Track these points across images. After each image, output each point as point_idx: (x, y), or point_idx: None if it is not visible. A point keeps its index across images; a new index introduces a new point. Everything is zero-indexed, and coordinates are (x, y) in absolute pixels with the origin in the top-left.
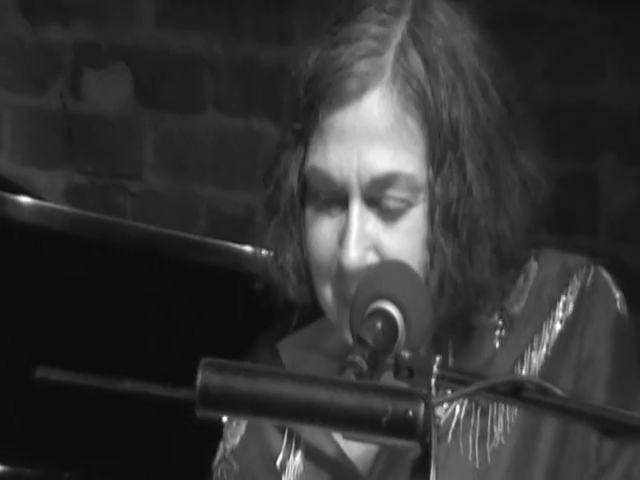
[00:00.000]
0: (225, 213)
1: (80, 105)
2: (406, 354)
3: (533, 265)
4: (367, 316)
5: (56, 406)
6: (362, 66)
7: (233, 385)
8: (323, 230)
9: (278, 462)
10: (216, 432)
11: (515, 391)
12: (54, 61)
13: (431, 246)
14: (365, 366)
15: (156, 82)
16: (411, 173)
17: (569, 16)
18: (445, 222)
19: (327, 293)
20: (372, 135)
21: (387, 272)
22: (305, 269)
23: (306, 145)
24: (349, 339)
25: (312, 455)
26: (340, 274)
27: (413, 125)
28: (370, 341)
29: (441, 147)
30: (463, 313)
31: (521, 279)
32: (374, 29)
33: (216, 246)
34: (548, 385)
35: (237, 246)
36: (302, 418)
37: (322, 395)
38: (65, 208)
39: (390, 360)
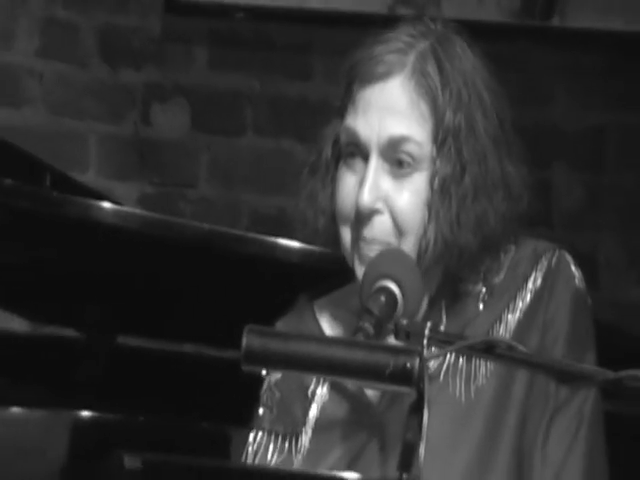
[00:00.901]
0: (262, 213)
1: (149, 131)
2: (404, 321)
3: (512, 248)
4: (373, 292)
5: (133, 365)
6: (390, 58)
7: (269, 346)
8: (347, 181)
9: (309, 391)
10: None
11: (490, 348)
12: (129, 97)
13: (429, 207)
14: (372, 330)
15: (208, 113)
16: (419, 141)
17: (529, 55)
18: (441, 190)
19: (346, 234)
20: (391, 108)
21: (389, 258)
22: (331, 215)
23: (342, 117)
24: (359, 274)
25: (336, 387)
26: (356, 216)
27: (424, 109)
28: (376, 311)
29: (444, 133)
30: (454, 281)
31: (502, 257)
32: (404, 38)
33: (256, 239)
34: (515, 344)
35: (272, 238)
36: (324, 371)
37: (339, 353)
38: (138, 211)
39: (391, 326)
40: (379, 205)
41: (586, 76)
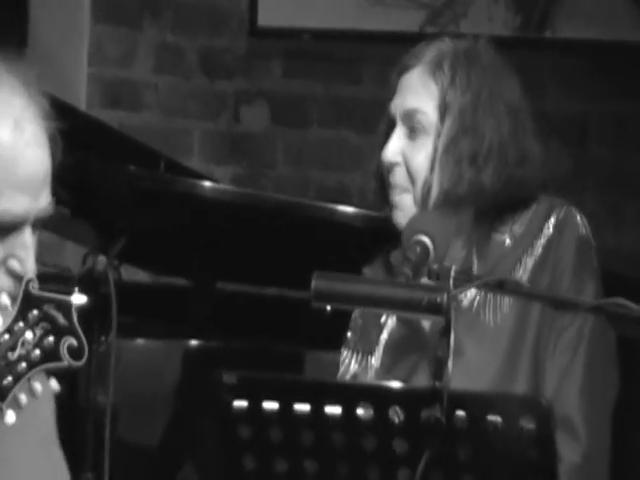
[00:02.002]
0: (326, 187)
1: (238, 126)
2: (435, 265)
3: (533, 205)
4: (411, 244)
5: (229, 304)
6: (417, 56)
7: (333, 287)
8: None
9: (382, 320)
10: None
11: (501, 284)
12: (223, 101)
13: (432, 162)
14: (410, 273)
15: (283, 111)
16: (427, 112)
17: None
18: (443, 151)
19: (386, 185)
20: (409, 89)
21: (422, 218)
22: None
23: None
24: (394, 217)
25: (401, 318)
26: (385, 169)
27: (433, 89)
28: (413, 258)
29: (445, 108)
30: (482, 232)
31: (524, 213)
32: (431, 45)
33: (320, 206)
34: (520, 280)
35: (332, 205)
36: (375, 306)
37: (386, 291)
38: (231, 187)
39: (426, 269)
40: (398, 159)
41: (572, 75)
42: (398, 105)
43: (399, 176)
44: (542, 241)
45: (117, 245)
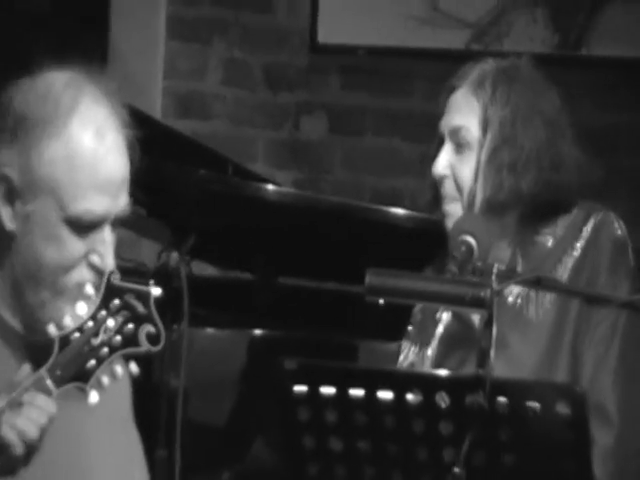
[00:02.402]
0: (379, 190)
1: (299, 135)
2: (479, 263)
3: (574, 209)
4: (457, 243)
5: (290, 297)
6: (463, 76)
7: (385, 282)
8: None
9: (437, 315)
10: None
11: (539, 281)
12: (285, 112)
13: (476, 174)
14: (457, 270)
15: (340, 121)
16: (470, 128)
17: (565, 75)
18: (487, 160)
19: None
20: (455, 107)
21: (467, 221)
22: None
23: None
24: (445, 224)
25: (455, 314)
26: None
27: (476, 107)
28: (459, 257)
29: (485, 124)
30: (526, 234)
31: (566, 216)
32: (476, 65)
33: (375, 209)
34: (555, 278)
35: (385, 207)
36: (424, 299)
37: (434, 286)
38: (292, 190)
39: (470, 267)
40: (447, 172)
41: (605, 88)
42: (446, 123)
43: (448, 187)
44: (581, 242)
45: (188, 242)
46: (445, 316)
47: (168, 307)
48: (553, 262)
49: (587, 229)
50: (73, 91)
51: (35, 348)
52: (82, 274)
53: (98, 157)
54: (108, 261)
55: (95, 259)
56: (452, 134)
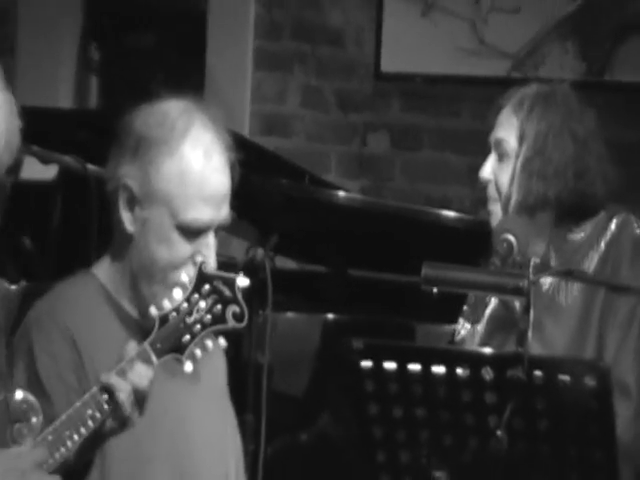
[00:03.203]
0: (432, 196)
1: (366, 149)
2: (518, 257)
3: (602, 212)
4: (499, 240)
5: (358, 286)
6: (508, 95)
7: (438, 274)
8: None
9: (487, 299)
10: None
11: (569, 273)
12: (354, 130)
13: (512, 180)
14: (499, 263)
15: (400, 137)
16: (509, 142)
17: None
18: (519, 172)
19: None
20: (499, 123)
21: (508, 221)
22: None
23: None
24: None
25: (500, 300)
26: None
27: (515, 124)
28: (501, 252)
29: (522, 138)
30: (560, 233)
31: (594, 218)
32: (519, 89)
33: (429, 211)
34: (582, 270)
35: (438, 210)
36: (471, 288)
37: (479, 277)
38: (359, 196)
39: (511, 260)
40: (490, 177)
41: (625, 109)
42: (492, 136)
43: (491, 190)
44: (605, 240)
45: (272, 240)
46: (493, 300)
47: (255, 295)
48: (581, 256)
49: (611, 228)
50: (186, 117)
51: (145, 330)
52: (188, 272)
53: (205, 174)
54: (211, 262)
55: (201, 259)
56: (495, 145)
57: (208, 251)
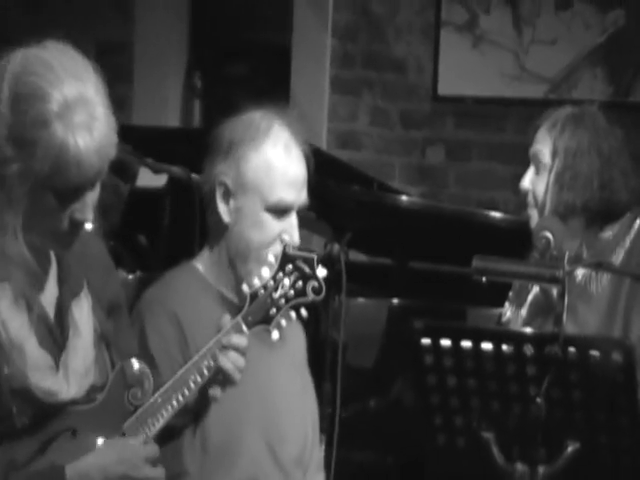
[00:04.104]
0: (481, 200)
1: (424, 160)
2: (554, 252)
3: (628, 213)
4: (539, 237)
5: (419, 276)
6: (545, 115)
7: (487, 265)
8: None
9: (529, 286)
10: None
11: (599, 265)
12: (414, 143)
13: (546, 190)
14: (538, 256)
15: (453, 150)
16: (545, 154)
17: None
18: (552, 182)
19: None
20: (537, 140)
21: (546, 221)
22: None
23: None
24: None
25: (541, 287)
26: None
27: (548, 140)
28: (540, 247)
29: (555, 153)
30: (591, 232)
31: (621, 219)
32: (554, 110)
33: (479, 213)
34: (609, 262)
35: (487, 212)
36: (515, 277)
37: (521, 268)
38: (419, 200)
39: (548, 254)
40: (529, 187)
41: None
42: (530, 151)
43: (529, 198)
44: (630, 237)
45: (346, 237)
46: (535, 288)
47: (331, 283)
48: (610, 252)
49: (635, 227)
50: (267, 120)
51: (239, 306)
52: (277, 248)
53: (286, 163)
54: (295, 238)
55: (286, 237)
56: (533, 159)
57: (292, 229)
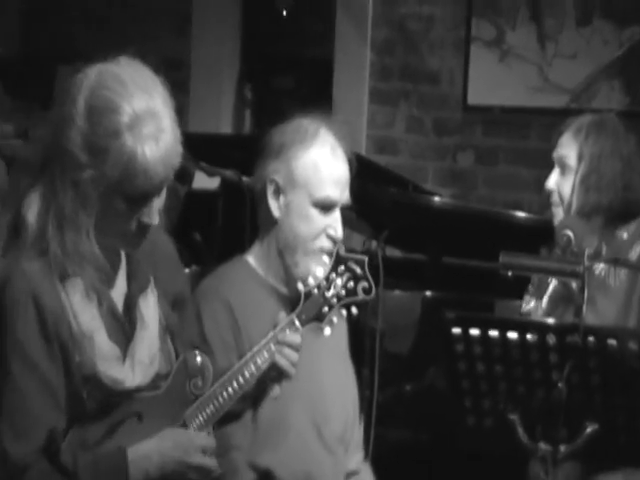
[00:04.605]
0: (507, 201)
1: (455, 165)
2: (575, 248)
3: None
4: (561, 235)
5: (452, 270)
6: (569, 122)
7: (513, 260)
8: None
9: (549, 279)
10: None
11: (615, 260)
12: (446, 149)
13: (572, 190)
14: (561, 253)
15: (482, 155)
16: (571, 158)
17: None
18: (578, 184)
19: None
20: (563, 144)
21: (567, 221)
22: None
23: None
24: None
25: (560, 280)
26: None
27: (574, 145)
28: (562, 244)
29: (580, 157)
30: (608, 230)
31: (638, 219)
32: (577, 118)
33: (505, 213)
34: (627, 258)
35: (512, 212)
36: (539, 272)
37: (545, 264)
38: (451, 201)
39: (570, 251)
40: (554, 187)
41: None
42: (555, 154)
43: (555, 197)
44: None
45: (383, 235)
46: (554, 281)
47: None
48: (627, 249)
49: None
50: (315, 125)
51: (293, 303)
52: (322, 241)
53: (332, 163)
54: (339, 232)
55: (331, 231)
56: (559, 162)
57: (336, 223)
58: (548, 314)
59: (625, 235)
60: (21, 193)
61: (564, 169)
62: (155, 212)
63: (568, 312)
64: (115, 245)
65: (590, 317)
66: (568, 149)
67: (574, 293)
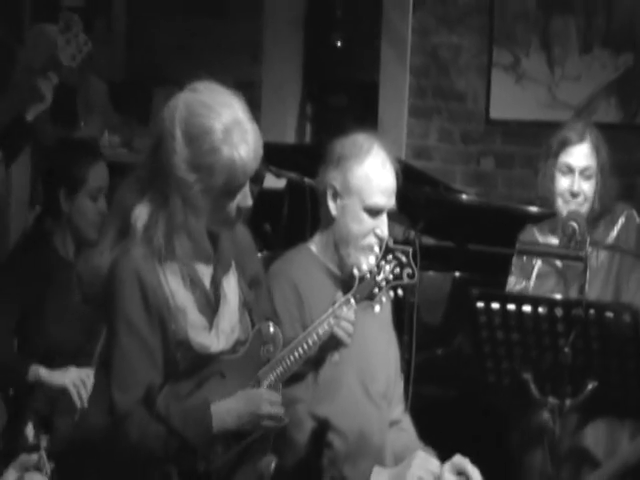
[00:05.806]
0: (523, 198)
1: (479, 169)
2: (579, 237)
3: (615, 209)
4: (567, 226)
5: (476, 256)
6: (582, 132)
7: (527, 246)
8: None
9: (533, 261)
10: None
11: (614, 247)
12: (471, 155)
13: (594, 192)
14: (566, 241)
15: (502, 161)
16: (592, 167)
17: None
18: (598, 186)
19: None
20: (584, 156)
21: (573, 214)
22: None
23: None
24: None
25: (545, 260)
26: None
27: (594, 158)
28: (567, 234)
29: (599, 166)
30: (593, 223)
31: (612, 213)
32: (588, 128)
33: (521, 208)
34: (609, 243)
35: (527, 206)
36: (550, 256)
37: (555, 250)
38: (476, 198)
39: (574, 239)
40: (579, 190)
41: None
42: (578, 164)
43: (579, 198)
44: (618, 226)
45: (419, 226)
46: (539, 262)
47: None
48: (604, 237)
49: (621, 218)
50: (369, 141)
51: (346, 283)
52: (370, 239)
53: (382, 175)
54: (385, 232)
55: (378, 231)
56: (582, 171)
57: (383, 225)
58: (537, 289)
59: (602, 227)
60: (129, 203)
61: (586, 177)
62: (249, 195)
63: (558, 286)
64: (218, 229)
65: (576, 292)
66: (589, 161)
67: (561, 271)
